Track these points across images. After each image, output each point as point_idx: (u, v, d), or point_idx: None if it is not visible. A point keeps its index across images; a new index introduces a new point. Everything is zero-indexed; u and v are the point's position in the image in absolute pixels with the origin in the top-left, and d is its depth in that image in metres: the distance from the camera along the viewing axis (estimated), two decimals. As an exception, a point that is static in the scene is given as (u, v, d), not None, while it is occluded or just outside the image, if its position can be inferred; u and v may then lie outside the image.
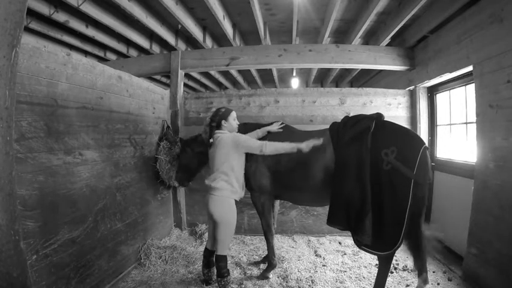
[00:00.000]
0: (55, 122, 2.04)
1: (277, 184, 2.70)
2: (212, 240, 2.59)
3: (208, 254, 2.63)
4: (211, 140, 2.55)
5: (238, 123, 2.67)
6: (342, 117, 2.64)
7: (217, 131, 2.53)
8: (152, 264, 2.98)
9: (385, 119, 2.41)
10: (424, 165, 2.09)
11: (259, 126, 2.98)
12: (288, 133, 2.81)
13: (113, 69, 2.78)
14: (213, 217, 2.39)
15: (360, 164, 2.19)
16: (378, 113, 2.40)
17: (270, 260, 2.84)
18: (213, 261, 2.60)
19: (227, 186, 2.39)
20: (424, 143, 2.16)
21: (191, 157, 3.06)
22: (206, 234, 3.81)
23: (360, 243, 2.22)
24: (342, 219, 2.28)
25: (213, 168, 2.48)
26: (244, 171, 2.61)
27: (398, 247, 2.07)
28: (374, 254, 2.20)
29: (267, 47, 4.23)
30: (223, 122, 2.53)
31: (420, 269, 2.36)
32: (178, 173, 3.22)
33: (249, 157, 2.67)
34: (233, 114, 2.60)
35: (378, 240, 2.12)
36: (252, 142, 2.46)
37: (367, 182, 2.14)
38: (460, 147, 3.39)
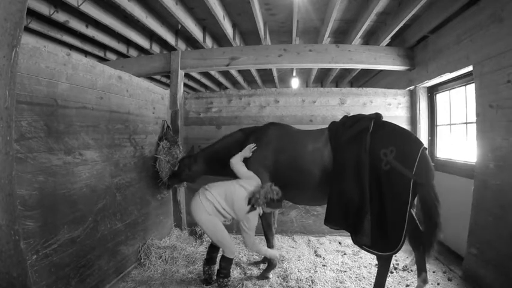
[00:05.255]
0: (55, 122, 2.04)
1: (275, 183, 2.70)
2: None
3: (211, 250, 2.70)
4: None
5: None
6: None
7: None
8: (152, 264, 2.98)
9: (384, 119, 2.40)
10: (425, 164, 2.05)
11: (255, 129, 3.00)
12: (284, 132, 2.82)
13: (113, 69, 2.77)
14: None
15: (359, 164, 2.19)
16: (376, 113, 2.39)
17: (270, 260, 2.84)
18: (215, 258, 2.70)
19: (209, 198, 2.49)
20: (423, 144, 2.13)
21: (186, 175, 3.21)
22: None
23: (358, 244, 2.21)
24: (339, 219, 2.28)
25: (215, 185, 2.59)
26: None
27: (400, 248, 2.03)
28: (376, 254, 2.19)
29: (267, 47, 4.23)
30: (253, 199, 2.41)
31: (421, 268, 2.37)
32: (170, 180, 3.39)
33: (246, 160, 2.74)
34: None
35: (380, 240, 2.10)
36: (242, 213, 2.42)
37: (365, 182, 2.13)
38: (460, 147, 3.39)
